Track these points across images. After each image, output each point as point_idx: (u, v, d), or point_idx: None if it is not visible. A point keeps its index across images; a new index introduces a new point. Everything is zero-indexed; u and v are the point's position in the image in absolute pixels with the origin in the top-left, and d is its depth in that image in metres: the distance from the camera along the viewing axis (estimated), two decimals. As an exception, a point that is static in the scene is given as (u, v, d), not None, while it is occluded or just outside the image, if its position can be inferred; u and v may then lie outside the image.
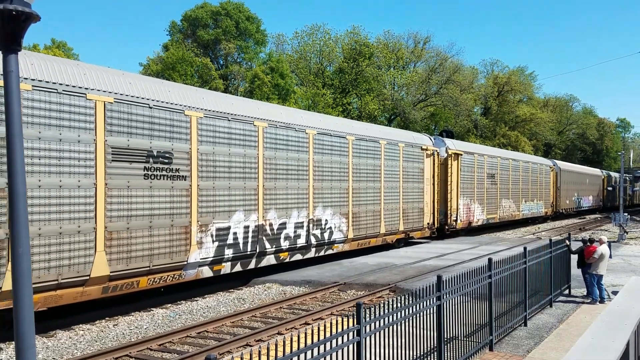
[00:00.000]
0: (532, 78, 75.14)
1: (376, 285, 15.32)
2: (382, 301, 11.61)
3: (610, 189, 64.47)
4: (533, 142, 73.37)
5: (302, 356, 4.87)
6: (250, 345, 10.21)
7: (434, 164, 26.52)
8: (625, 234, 28.85)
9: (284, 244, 16.98)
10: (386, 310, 6.32)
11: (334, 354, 5.30)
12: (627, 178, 67.96)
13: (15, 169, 4.06)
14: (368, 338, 5.90)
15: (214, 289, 15.61)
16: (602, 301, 13.01)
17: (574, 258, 14.17)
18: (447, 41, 78.51)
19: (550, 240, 13.14)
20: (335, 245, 19.56)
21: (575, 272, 14.36)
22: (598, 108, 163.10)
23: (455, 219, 28.84)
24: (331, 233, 19.18)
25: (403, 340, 6.72)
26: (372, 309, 6.08)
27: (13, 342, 5.65)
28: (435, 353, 7.52)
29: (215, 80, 43.79)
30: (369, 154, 21.62)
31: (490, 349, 9.33)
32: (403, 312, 6.62)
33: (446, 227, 28.42)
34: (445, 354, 7.73)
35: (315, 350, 5.04)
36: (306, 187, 18.00)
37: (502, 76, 68.86)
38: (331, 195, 19.26)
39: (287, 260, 17.31)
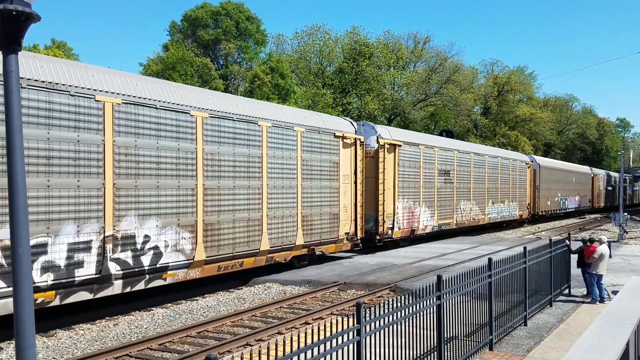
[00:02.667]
0: (532, 78, 75.27)
1: (376, 285, 15.33)
2: (382, 301, 11.63)
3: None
4: (533, 142, 73.37)
5: (302, 356, 4.87)
6: (251, 345, 10.22)
7: (355, 156, 20.55)
8: (625, 233, 28.85)
9: (43, 279, 10.64)
10: (386, 310, 6.32)
11: (334, 354, 5.30)
12: (627, 178, 67.69)
13: (15, 169, 4.06)
14: (368, 338, 5.91)
15: (214, 289, 15.61)
16: (602, 301, 13.02)
17: (574, 258, 14.18)
18: (447, 41, 78.54)
19: (550, 240, 13.14)
20: (170, 272, 13.35)
21: (575, 271, 14.36)
22: (598, 108, 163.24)
23: (390, 226, 23.01)
24: (158, 255, 12.92)
25: (403, 340, 6.72)
26: (372, 308, 6.09)
27: (13, 342, 5.65)
28: (435, 353, 7.52)
29: (215, 80, 43.81)
30: (239, 140, 15.35)
31: (490, 349, 9.34)
32: (403, 311, 6.62)
33: (377, 237, 22.54)
34: (445, 354, 7.73)
35: (315, 349, 5.04)
36: (98, 186, 11.70)
37: (502, 76, 68.87)
38: (158, 199, 12.97)
39: (56, 303, 11.00)
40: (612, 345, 5.56)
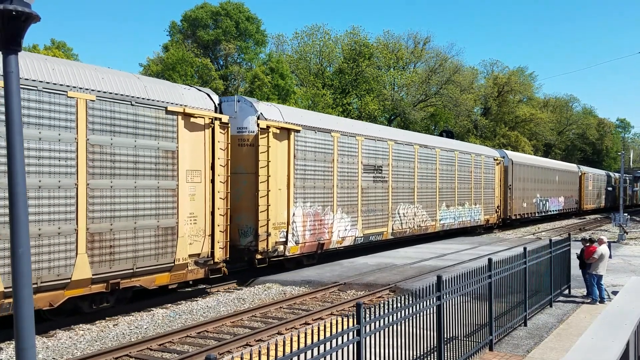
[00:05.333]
0: (532, 78, 75.23)
1: (376, 285, 15.33)
2: (382, 301, 11.63)
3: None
4: (533, 142, 73.40)
5: (302, 356, 4.87)
6: (250, 345, 10.22)
7: (213, 143, 14.32)
8: (625, 234, 28.86)
9: None
10: (386, 310, 6.32)
11: (334, 354, 5.30)
12: (627, 178, 67.57)
13: (15, 169, 4.06)
14: (368, 338, 5.91)
15: (214, 289, 15.60)
16: (602, 301, 13.02)
17: (575, 258, 14.25)
18: (447, 41, 78.72)
19: (550, 240, 13.15)
20: None
21: (575, 272, 14.39)
22: (598, 108, 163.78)
23: (282, 239, 16.94)
24: None
25: (403, 340, 6.72)
26: (372, 309, 6.09)
27: (13, 342, 5.65)
28: (435, 353, 7.52)
29: (215, 81, 43.82)
30: None
31: (490, 349, 9.34)
32: (403, 312, 6.62)
33: (258, 257, 16.25)
34: (445, 354, 7.73)
35: (315, 350, 5.04)
36: None
37: (502, 76, 68.88)
38: None
39: None
40: (612, 345, 5.56)
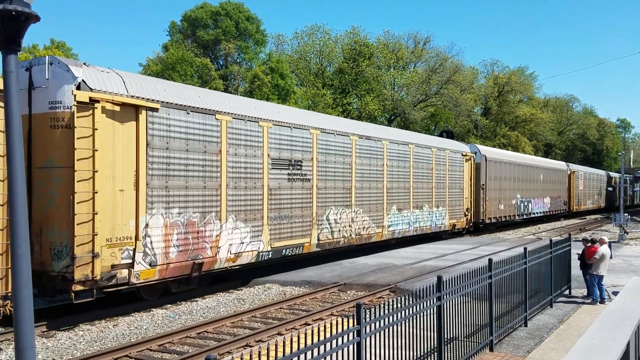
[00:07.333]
0: (533, 78, 75.24)
1: (376, 286, 15.32)
2: (382, 302, 11.62)
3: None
4: (533, 142, 73.40)
5: (302, 356, 4.86)
6: (250, 346, 10.22)
7: None
8: (625, 234, 28.85)
9: None
10: (386, 311, 6.32)
11: (334, 355, 5.29)
12: (627, 179, 67.46)
13: (15, 169, 4.06)
14: (368, 338, 5.90)
15: (214, 289, 15.59)
16: (602, 301, 13.02)
17: (575, 258, 14.25)
18: (447, 41, 78.71)
19: (551, 240, 13.14)
20: None
21: (576, 272, 14.38)
22: (598, 108, 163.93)
23: (127, 261, 12.05)
24: None
25: (403, 340, 6.71)
26: (372, 309, 6.08)
27: (13, 342, 5.65)
28: (436, 353, 7.51)
29: (215, 81, 43.82)
30: None
31: (491, 350, 9.33)
32: (403, 312, 6.61)
33: (79, 288, 11.25)
34: (446, 355, 7.72)
35: (316, 350, 5.04)
36: None
37: (502, 76, 68.87)
38: None
39: None
40: (612, 346, 5.54)
